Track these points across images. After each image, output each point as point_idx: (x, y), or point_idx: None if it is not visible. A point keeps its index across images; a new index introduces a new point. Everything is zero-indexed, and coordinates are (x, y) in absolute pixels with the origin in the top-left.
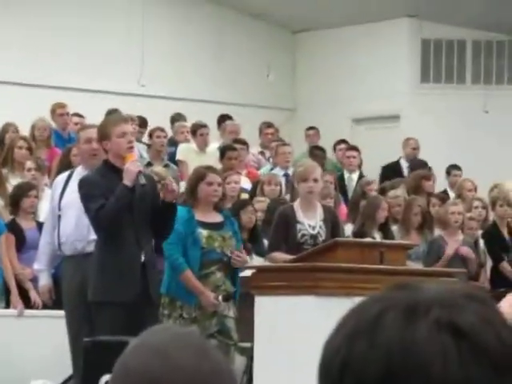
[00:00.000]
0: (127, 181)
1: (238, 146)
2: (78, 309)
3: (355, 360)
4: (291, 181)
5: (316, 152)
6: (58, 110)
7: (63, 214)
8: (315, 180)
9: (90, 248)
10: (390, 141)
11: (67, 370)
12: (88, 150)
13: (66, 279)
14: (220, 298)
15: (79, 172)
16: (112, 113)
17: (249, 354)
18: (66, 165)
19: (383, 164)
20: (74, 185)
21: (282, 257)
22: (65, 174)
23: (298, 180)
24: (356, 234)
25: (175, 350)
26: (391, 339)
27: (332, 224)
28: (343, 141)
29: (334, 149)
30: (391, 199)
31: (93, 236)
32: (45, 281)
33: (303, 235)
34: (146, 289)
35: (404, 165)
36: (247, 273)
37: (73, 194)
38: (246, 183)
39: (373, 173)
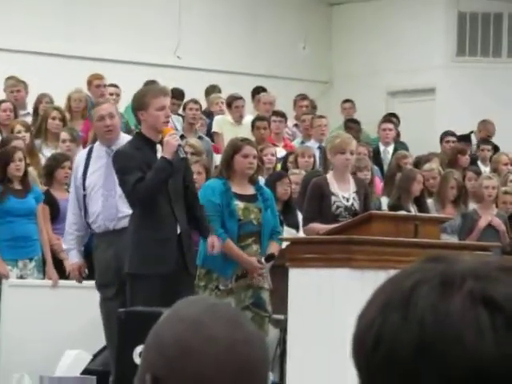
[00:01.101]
0: (167, 154)
1: (275, 118)
2: (110, 283)
3: (389, 332)
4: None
5: (351, 125)
6: (94, 82)
7: (88, 194)
8: (351, 152)
9: (121, 225)
10: (425, 114)
11: (102, 340)
12: (102, 127)
13: (98, 255)
14: (263, 259)
15: (97, 149)
16: (150, 84)
17: (282, 326)
18: None
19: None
20: (95, 163)
21: (320, 227)
22: (84, 152)
23: (333, 152)
24: (391, 207)
25: (208, 320)
26: (425, 311)
27: (364, 196)
28: (392, 114)
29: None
30: (426, 172)
31: (121, 213)
32: (74, 259)
33: (338, 207)
34: (182, 260)
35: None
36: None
37: (95, 173)
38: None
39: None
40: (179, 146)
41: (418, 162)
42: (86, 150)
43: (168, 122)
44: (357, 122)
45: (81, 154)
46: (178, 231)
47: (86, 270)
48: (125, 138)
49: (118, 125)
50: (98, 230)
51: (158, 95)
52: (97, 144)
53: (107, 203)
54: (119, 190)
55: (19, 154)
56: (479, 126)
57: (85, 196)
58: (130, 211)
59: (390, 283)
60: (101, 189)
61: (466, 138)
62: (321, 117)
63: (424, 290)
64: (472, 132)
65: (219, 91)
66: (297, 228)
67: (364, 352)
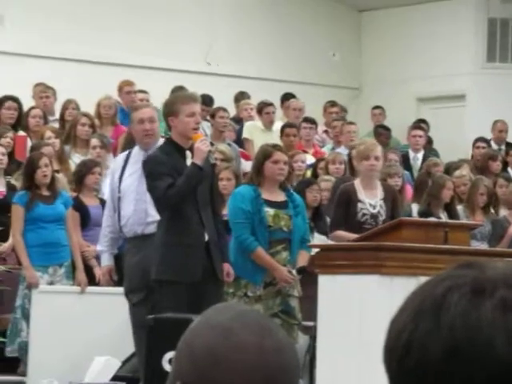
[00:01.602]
0: (198, 160)
1: (306, 124)
2: (137, 289)
3: (420, 338)
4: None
5: (381, 131)
6: (125, 88)
7: (123, 197)
8: (376, 158)
9: (149, 230)
10: (454, 120)
11: (131, 346)
12: (141, 131)
13: (127, 259)
14: (294, 271)
15: (136, 152)
16: (178, 90)
17: (312, 333)
18: (131, 142)
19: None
20: (131, 167)
21: (345, 235)
22: (123, 155)
23: (358, 158)
24: (422, 214)
25: (238, 328)
26: (456, 319)
27: (392, 203)
28: (422, 120)
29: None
30: (456, 179)
31: (150, 218)
32: (106, 262)
33: (364, 214)
34: (210, 267)
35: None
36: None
37: (131, 176)
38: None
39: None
40: (209, 152)
41: (449, 169)
42: (125, 153)
43: (198, 128)
44: (386, 129)
45: (120, 157)
46: (206, 238)
47: (114, 276)
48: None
49: (157, 130)
50: (128, 235)
51: (188, 101)
52: (136, 148)
53: (138, 207)
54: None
55: (45, 160)
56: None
57: (119, 199)
58: (158, 217)
59: (421, 290)
60: (133, 193)
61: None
62: (350, 123)
63: (455, 297)
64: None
65: (248, 97)
66: (327, 235)
67: (395, 358)
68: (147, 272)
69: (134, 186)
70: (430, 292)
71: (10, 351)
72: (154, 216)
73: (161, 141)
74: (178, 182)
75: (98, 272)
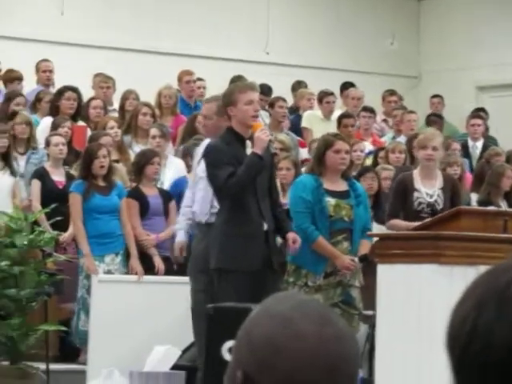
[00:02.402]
0: (258, 149)
1: (364, 113)
2: (201, 275)
3: (482, 329)
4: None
5: (433, 119)
6: (185, 78)
7: (196, 183)
8: (434, 148)
9: (212, 219)
10: None
11: (190, 336)
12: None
13: (194, 243)
14: (356, 259)
15: None
16: (237, 79)
17: (371, 321)
18: (191, 132)
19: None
20: None
21: (401, 224)
22: (207, 141)
23: (417, 147)
24: (481, 203)
25: (298, 317)
26: None
27: (452, 193)
28: (481, 109)
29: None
30: None
31: (214, 209)
32: (180, 238)
33: (420, 203)
34: (268, 257)
35: None
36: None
37: (201, 165)
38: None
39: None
40: (269, 141)
41: (510, 157)
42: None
43: (257, 116)
44: (439, 117)
45: (204, 143)
46: (265, 228)
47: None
48: None
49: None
50: (196, 220)
51: (246, 90)
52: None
53: (205, 196)
54: None
55: (103, 151)
56: None
57: (196, 183)
58: None
59: (485, 279)
60: (204, 180)
61: None
62: (411, 112)
63: None
64: None
65: (305, 86)
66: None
67: (459, 346)
68: (207, 261)
69: (202, 175)
70: (493, 281)
71: (77, 341)
72: (217, 206)
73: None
74: (239, 172)
75: (158, 260)
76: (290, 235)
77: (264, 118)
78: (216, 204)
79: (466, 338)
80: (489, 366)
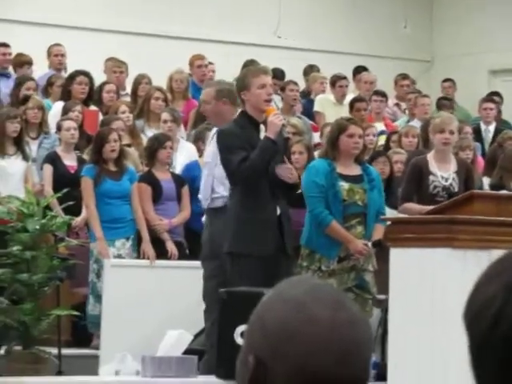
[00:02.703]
0: (271, 133)
1: (376, 97)
2: (207, 262)
3: (510, 312)
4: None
5: (443, 102)
6: (196, 62)
7: (203, 168)
8: (451, 132)
9: (214, 204)
10: None
11: (202, 320)
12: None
13: (204, 229)
14: (370, 244)
15: None
16: (249, 64)
17: (384, 306)
18: (203, 117)
19: None
20: (213, 141)
21: (414, 208)
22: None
23: (433, 131)
24: (493, 187)
25: (311, 302)
26: None
27: (466, 177)
28: (495, 93)
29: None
30: None
31: (215, 194)
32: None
33: (435, 187)
34: (281, 242)
35: None
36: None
37: (209, 150)
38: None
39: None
40: (282, 125)
41: None
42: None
43: (270, 100)
44: (450, 100)
45: (215, 128)
46: (278, 212)
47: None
48: None
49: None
50: (202, 206)
51: (258, 74)
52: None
53: (207, 181)
54: (217, 172)
55: (114, 135)
56: None
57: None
58: (224, 193)
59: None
60: (207, 166)
61: None
62: (424, 96)
63: None
64: None
65: (318, 71)
66: (396, 208)
67: (482, 327)
68: (216, 245)
69: (209, 160)
70: None
71: (88, 326)
72: (219, 192)
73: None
74: (252, 156)
75: (170, 245)
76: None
77: (277, 102)
78: (217, 189)
79: (491, 320)
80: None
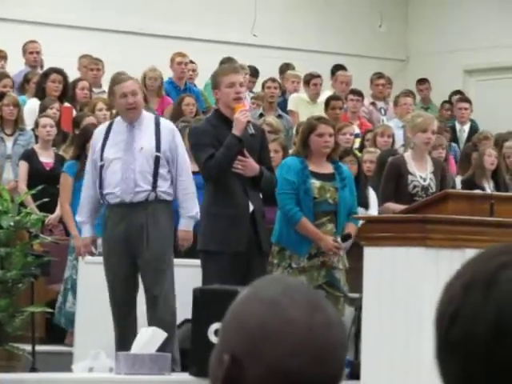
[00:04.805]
0: (236, 131)
1: (352, 96)
2: (120, 254)
3: (466, 311)
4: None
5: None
6: (177, 59)
7: (106, 166)
8: (433, 132)
9: (137, 199)
10: (502, 93)
11: (178, 318)
12: (124, 105)
13: (109, 227)
14: (339, 239)
15: (118, 124)
16: (226, 61)
17: (357, 304)
18: (178, 114)
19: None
20: (114, 137)
21: (395, 207)
22: (104, 126)
23: (415, 130)
24: (464, 183)
25: (288, 302)
26: (505, 296)
27: (441, 177)
28: (458, 92)
29: (449, 100)
30: (507, 149)
31: (138, 188)
32: (87, 233)
33: (415, 186)
34: (255, 239)
35: None
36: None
37: (116, 146)
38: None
39: (483, 125)
40: (248, 122)
41: (498, 141)
42: (106, 124)
43: (239, 98)
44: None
45: (100, 129)
46: (251, 209)
47: (95, 248)
48: (146, 116)
49: (141, 102)
50: (113, 202)
51: (228, 73)
52: (118, 119)
53: (127, 176)
54: (138, 166)
55: None
56: None
57: (101, 167)
58: (148, 187)
59: (475, 261)
60: (119, 162)
61: None
62: (407, 95)
63: (508, 274)
64: None
65: (293, 69)
66: (365, 207)
67: (442, 327)
68: (129, 240)
69: (120, 155)
70: (483, 265)
71: (63, 322)
72: (143, 186)
73: (145, 113)
74: (217, 154)
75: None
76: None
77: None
78: (140, 184)
79: (449, 320)
80: (468, 349)
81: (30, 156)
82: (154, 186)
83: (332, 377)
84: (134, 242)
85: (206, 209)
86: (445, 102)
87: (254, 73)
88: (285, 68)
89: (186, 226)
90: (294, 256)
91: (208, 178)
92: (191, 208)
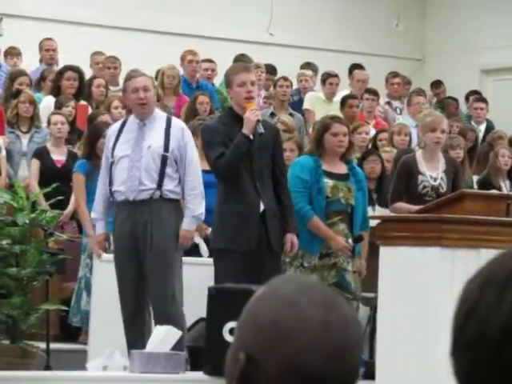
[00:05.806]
0: (246, 129)
1: (368, 96)
2: (127, 252)
3: (481, 310)
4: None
5: (449, 101)
6: (188, 57)
7: (116, 163)
8: (443, 131)
9: (141, 197)
10: None
11: (192, 316)
12: (135, 100)
13: (117, 223)
14: (350, 240)
15: (131, 120)
16: (239, 58)
17: (372, 304)
18: (193, 112)
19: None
20: (126, 134)
21: (405, 207)
22: (118, 124)
23: (425, 130)
24: (480, 183)
25: (304, 301)
26: None
27: (454, 176)
28: (474, 92)
29: (467, 99)
30: None
31: (143, 186)
32: (101, 230)
33: (425, 186)
34: (265, 238)
35: None
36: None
37: (126, 143)
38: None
39: (500, 125)
40: (258, 121)
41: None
42: (120, 122)
43: (251, 97)
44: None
45: (114, 126)
46: (262, 208)
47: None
48: (159, 114)
49: (153, 99)
50: (119, 199)
51: (239, 71)
52: (131, 117)
53: (132, 174)
54: (144, 164)
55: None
56: None
57: (112, 164)
58: (152, 185)
59: (494, 261)
60: (127, 160)
61: None
62: (419, 94)
63: None
64: None
65: (315, 69)
66: (387, 207)
67: (457, 325)
68: (135, 238)
69: (128, 153)
70: (500, 265)
71: (76, 321)
72: (148, 184)
73: (158, 110)
74: (227, 152)
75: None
76: (288, 237)
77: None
78: (144, 182)
79: (464, 318)
80: (481, 348)
81: (41, 154)
82: (160, 184)
83: (348, 375)
84: (140, 240)
85: (218, 207)
86: (450, 98)
87: (272, 71)
88: (305, 67)
89: (188, 225)
90: (306, 255)
91: (218, 176)
92: (196, 208)
